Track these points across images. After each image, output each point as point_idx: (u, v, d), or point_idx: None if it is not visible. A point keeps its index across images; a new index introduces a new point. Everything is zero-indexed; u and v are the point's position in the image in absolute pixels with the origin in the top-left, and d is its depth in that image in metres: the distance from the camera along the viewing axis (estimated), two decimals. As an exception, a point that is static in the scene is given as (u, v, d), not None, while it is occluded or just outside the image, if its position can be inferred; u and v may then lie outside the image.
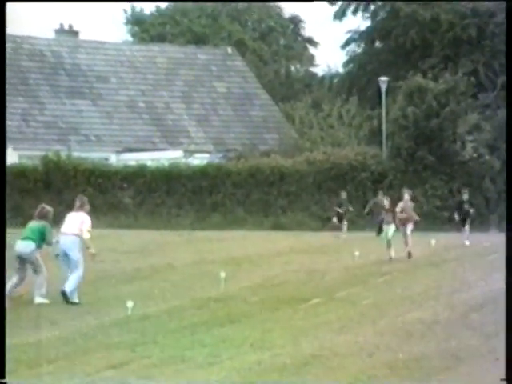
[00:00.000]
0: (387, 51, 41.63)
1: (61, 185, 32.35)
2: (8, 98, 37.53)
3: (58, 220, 31.84)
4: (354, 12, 43.18)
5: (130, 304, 12.89)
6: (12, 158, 34.38)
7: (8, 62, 38.78)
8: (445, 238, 23.71)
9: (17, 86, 37.50)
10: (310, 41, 53.89)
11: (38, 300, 13.96)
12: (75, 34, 42.65)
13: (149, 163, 33.56)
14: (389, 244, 19.87)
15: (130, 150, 36.94)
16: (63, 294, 13.86)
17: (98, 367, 9.36)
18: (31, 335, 11.27)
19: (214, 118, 41.16)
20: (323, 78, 50.90)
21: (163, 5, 53.30)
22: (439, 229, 27.64)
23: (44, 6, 72.29)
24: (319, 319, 12.38)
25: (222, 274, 15.57)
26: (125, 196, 31.40)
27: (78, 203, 14.53)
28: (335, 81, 47.59)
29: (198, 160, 35.00)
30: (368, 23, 43.76)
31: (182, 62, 42.73)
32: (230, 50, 45.00)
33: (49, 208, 14.68)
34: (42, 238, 14.27)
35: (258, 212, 30.79)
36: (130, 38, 52.77)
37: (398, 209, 20.25)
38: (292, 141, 38.72)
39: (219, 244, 24.30)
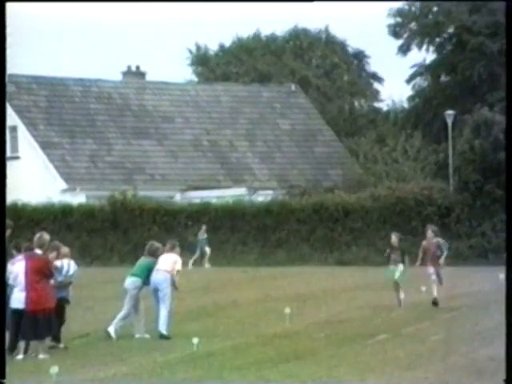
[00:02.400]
0: (453, 85, 41.32)
1: (127, 224, 32.77)
2: (76, 139, 38.60)
3: (125, 259, 32.15)
4: (419, 45, 43.03)
5: (195, 341, 12.91)
6: (80, 198, 35.06)
7: (77, 104, 39.94)
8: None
9: (85, 128, 38.31)
10: (375, 76, 53.81)
11: (138, 335, 14.41)
12: (142, 75, 43.45)
13: (213, 201, 33.78)
14: (396, 286, 17.75)
15: (195, 189, 37.25)
16: (161, 336, 14.23)
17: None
18: (100, 371, 11.35)
19: (278, 154, 41.29)
20: (388, 112, 50.71)
21: (227, 43, 53.95)
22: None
23: (111, 48, 73.87)
24: (387, 355, 12.17)
25: (287, 311, 15.47)
26: (190, 234, 31.61)
27: (168, 246, 14.98)
28: (400, 115, 47.37)
29: (262, 197, 35.07)
30: (433, 56, 43.55)
31: (245, 100, 43.10)
32: (293, 87, 45.23)
33: (157, 245, 15.11)
34: (148, 275, 14.60)
35: (322, 248, 30.64)
36: (194, 78, 53.50)
37: (421, 249, 18.03)
38: (356, 176, 38.54)
39: (284, 280, 24.19)
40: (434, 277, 17.47)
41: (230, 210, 32.48)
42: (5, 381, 7.36)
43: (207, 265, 30.50)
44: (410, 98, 45.88)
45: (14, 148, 37.38)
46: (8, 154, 37.57)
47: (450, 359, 11.71)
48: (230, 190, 36.49)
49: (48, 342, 13.28)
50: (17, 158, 37.27)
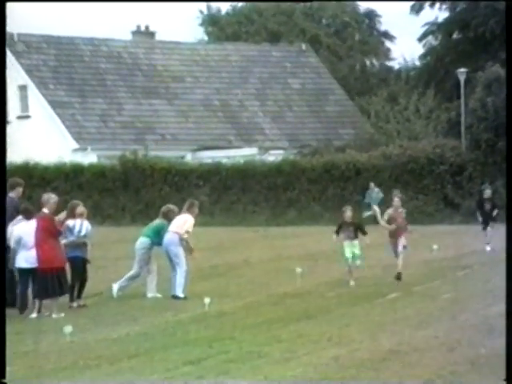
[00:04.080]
0: (466, 42, 40.87)
1: (138, 184, 32.81)
2: (87, 99, 38.47)
3: (137, 219, 32.27)
4: (432, 4, 42.57)
5: (207, 300, 12.98)
6: (91, 157, 35.08)
7: (86, 64, 39.75)
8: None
9: (95, 88, 38.18)
10: (386, 35, 53.27)
11: (150, 294, 14.45)
12: (151, 34, 43.20)
13: (224, 161, 33.72)
14: (350, 266, 15.39)
15: (206, 148, 37.19)
16: (174, 297, 14.27)
17: (176, 363, 9.42)
18: (113, 331, 11.44)
19: (289, 114, 41.10)
20: (400, 71, 50.29)
21: (238, 4, 53.46)
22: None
23: (121, 8, 73.40)
24: (397, 314, 12.20)
25: (299, 270, 15.51)
26: (201, 194, 31.62)
27: (185, 206, 14.97)
28: (412, 74, 46.98)
29: (273, 157, 34.98)
30: (446, 14, 43.05)
31: (256, 60, 42.80)
32: (304, 46, 44.87)
33: (171, 207, 15.14)
34: (160, 237, 14.64)
35: (333, 207, 30.55)
36: (205, 38, 53.12)
37: (385, 216, 15.72)
38: (367, 135, 38.33)
39: (295, 240, 24.24)
40: (400, 247, 15.52)
41: (241, 170, 32.43)
42: (5, 381, 7.42)
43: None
44: (422, 56, 45.43)
45: (25, 107, 37.36)
46: (18, 113, 37.69)
47: (461, 317, 11.73)
48: (241, 149, 36.40)
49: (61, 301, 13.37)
50: (27, 117, 37.28)
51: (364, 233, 15.49)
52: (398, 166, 31.10)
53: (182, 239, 14.47)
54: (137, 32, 42.69)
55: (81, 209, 14.18)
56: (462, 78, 33.15)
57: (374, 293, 14.21)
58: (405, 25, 60.51)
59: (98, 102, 37.69)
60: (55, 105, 36.55)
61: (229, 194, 32.13)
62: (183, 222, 14.60)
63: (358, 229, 15.47)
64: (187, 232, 14.53)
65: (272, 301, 13.77)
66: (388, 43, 53.31)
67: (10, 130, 37.52)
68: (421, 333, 10.74)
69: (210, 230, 26.21)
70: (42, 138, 35.83)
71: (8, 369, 8.98)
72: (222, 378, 8.73)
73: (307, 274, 15.88)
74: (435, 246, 19.34)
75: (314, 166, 31.96)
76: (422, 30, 43.83)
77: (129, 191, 32.91)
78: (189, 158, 36.54)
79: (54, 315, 12.90)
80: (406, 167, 30.97)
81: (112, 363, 9.54)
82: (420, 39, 44.26)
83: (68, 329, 10.84)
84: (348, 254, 15.35)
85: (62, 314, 12.87)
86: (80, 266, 13.86)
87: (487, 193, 20.60)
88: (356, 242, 15.47)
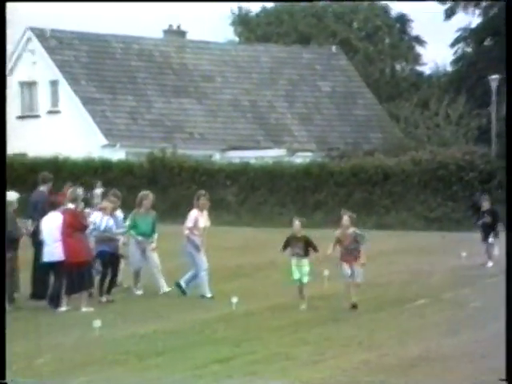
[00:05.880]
0: (498, 48, 40.54)
1: (166, 182, 32.85)
2: (117, 96, 38.62)
3: (164, 217, 32.34)
4: (465, 9, 42.33)
5: (234, 300, 12.97)
6: (119, 154, 35.22)
7: (118, 61, 39.89)
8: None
9: (126, 85, 38.34)
10: (417, 39, 53.04)
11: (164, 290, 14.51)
12: (183, 34, 43.33)
13: (252, 161, 33.69)
14: (300, 287, 13.46)
15: (234, 148, 37.20)
16: (177, 285, 14.30)
17: (204, 361, 9.42)
18: (141, 327, 11.47)
19: (318, 116, 41.02)
20: (430, 76, 50.04)
21: (269, 5, 53.52)
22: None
23: (153, 7, 73.63)
24: (426, 320, 12.12)
25: (326, 273, 15.46)
26: (228, 194, 31.62)
27: (194, 200, 15.05)
28: (443, 79, 46.74)
29: (301, 158, 34.92)
30: (478, 20, 42.80)
31: (286, 62, 42.76)
32: (334, 49, 44.76)
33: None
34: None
35: (360, 211, 30.24)
36: (235, 38, 53.19)
37: (335, 237, 13.44)
38: (396, 140, 38.13)
39: (322, 242, 24.10)
40: (348, 277, 13.30)
41: (269, 171, 32.37)
42: (5, 381, 7.48)
43: None
44: (454, 62, 45.20)
45: (55, 102, 37.60)
46: (49, 108, 37.96)
47: (490, 326, 11.62)
48: (270, 150, 36.35)
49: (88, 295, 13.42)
50: (57, 112, 37.50)
51: (315, 249, 13.52)
52: (427, 171, 30.89)
53: (187, 237, 14.27)
54: (168, 31, 42.85)
55: (105, 204, 14.25)
56: (493, 85, 32.90)
57: (401, 298, 14.13)
58: (436, 30, 60.19)
59: (128, 100, 37.83)
60: (86, 101, 36.75)
61: (256, 195, 32.09)
62: (187, 219, 14.46)
63: (307, 245, 13.46)
64: (189, 228, 14.27)
65: (298, 303, 13.72)
66: (419, 48, 53.08)
67: (39, 124, 37.91)
68: (450, 340, 10.66)
69: (236, 230, 26.21)
70: (72, 134, 36.03)
71: (40, 360, 9.03)
72: (250, 378, 8.71)
73: (334, 277, 15.81)
74: (464, 253, 19.19)
75: (342, 169, 31.83)
76: (454, 36, 43.66)
77: (156, 189, 32.78)
78: (217, 157, 36.57)
79: (83, 309, 12.96)
80: (436, 173, 30.76)
81: (140, 359, 9.57)
82: (452, 45, 44.05)
83: (97, 323, 10.89)
84: (296, 275, 13.35)
85: (92, 309, 12.92)
86: (107, 261, 13.90)
87: (485, 205, 19.11)
88: (305, 260, 13.45)
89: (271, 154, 35.13)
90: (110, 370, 9.06)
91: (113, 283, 13.97)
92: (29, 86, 38.06)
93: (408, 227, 28.47)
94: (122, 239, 14.16)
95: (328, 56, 44.05)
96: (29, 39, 37.57)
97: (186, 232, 14.36)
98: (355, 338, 10.76)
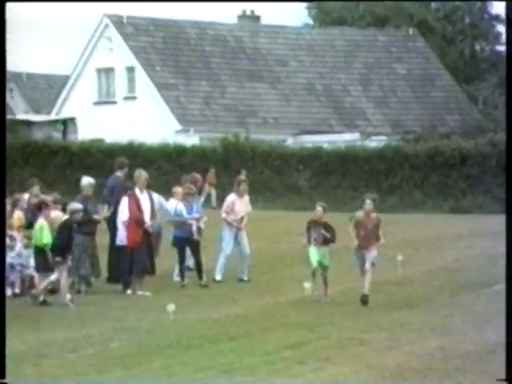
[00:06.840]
0: None
1: (239, 166, 32.95)
2: (191, 81, 38.89)
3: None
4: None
5: (307, 285, 12.89)
6: (193, 139, 35.48)
7: (192, 47, 40.12)
8: None
9: (200, 70, 38.54)
10: (498, 18, 51.71)
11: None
12: (257, 18, 43.27)
13: (325, 146, 33.50)
14: (314, 274, 12.54)
15: (307, 133, 37.05)
16: (240, 280, 14.42)
17: (276, 346, 9.40)
18: (214, 312, 11.51)
19: (393, 99, 40.50)
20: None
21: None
22: None
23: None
24: (503, 306, 11.82)
25: (400, 257, 15.26)
26: (301, 178, 31.51)
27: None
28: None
29: (375, 142, 34.55)
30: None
31: (361, 45, 42.30)
32: (411, 31, 44.06)
33: None
34: None
35: (436, 195, 29.96)
36: (310, 22, 52.82)
37: (352, 221, 12.54)
38: (474, 122, 37.36)
39: (396, 227, 23.76)
40: (368, 264, 12.33)
41: (342, 155, 32.14)
42: (5, 381, 7.56)
43: None
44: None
45: (132, 88, 38.05)
46: (125, 94, 38.44)
47: None
48: (343, 134, 36.07)
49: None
50: (133, 98, 37.95)
51: (331, 239, 12.68)
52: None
53: (224, 220, 14.43)
54: (242, 16, 42.85)
55: (174, 189, 14.39)
56: None
57: (478, 283, 13.86)
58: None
59: (202, 85, 38.03)
60: (161, 86, 37.07)
61: (329, 179, 31.90)
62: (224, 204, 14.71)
63: (326, 231, 12.62)
64: (226, 212, 14.45)
65: (372, 288, 13.49)
66: (500, 27, 51.74)
67: (116, 110, 38.43)
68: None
69: (308, 215, 26.08)
70: (147, 119, 36.42)
71: (114, 344, 9.13)
72: (323, 363, 8.65)
73: (408, 262, 15.60)
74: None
75: (418, 152, 31.37)
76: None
77: (229, 173, 33.09)
78: (290, 142, 36.49)
79: (138, 292, 13.07)
80: (514, 156, 30.04)
81: (214, 343, 9.61)
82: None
83: (171, 307, 10.97)
84: (314, 263, 12.40)
85: (148, 293, 13.03)
86: (178, 246, 14.00)
87: None
88: (324, 249, 12.63)
89: (344, 138, 34.87)
90: (185, 355, 9.09)
91: (200, 268, 14.01)
92: (106, 72, 38.57)
93: (485, 210, 27.90)
94: (195, 224, 14.21)
95: (404, 38, 43.39)
96: (106, 26, 38.06)
97: (223, 215, 14.47)
98: (430, 323, 10.59)
